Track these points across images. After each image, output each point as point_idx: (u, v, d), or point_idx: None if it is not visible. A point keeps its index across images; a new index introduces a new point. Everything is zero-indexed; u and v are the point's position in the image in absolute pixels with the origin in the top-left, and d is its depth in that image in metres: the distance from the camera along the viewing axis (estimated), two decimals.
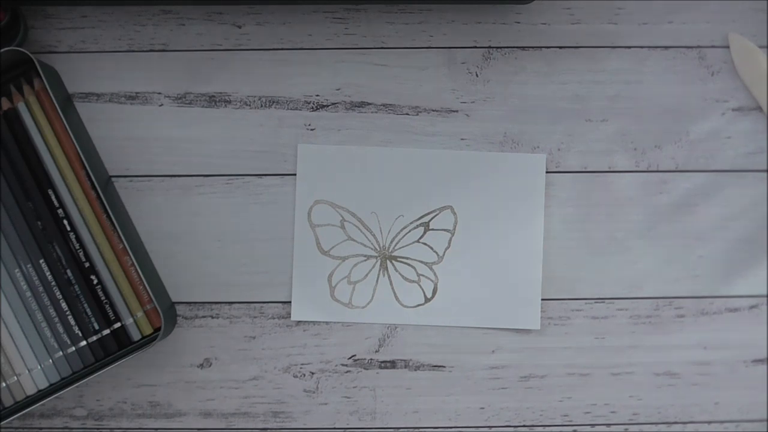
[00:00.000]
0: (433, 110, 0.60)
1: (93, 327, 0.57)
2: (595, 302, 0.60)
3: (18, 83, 0.57)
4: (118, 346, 0.57)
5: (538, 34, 0.60)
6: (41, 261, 0.56)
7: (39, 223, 0.56)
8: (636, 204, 0.60)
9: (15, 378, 0.56)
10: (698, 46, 0.60)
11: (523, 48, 0.60)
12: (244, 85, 0.60)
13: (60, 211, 0.57)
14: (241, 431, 0.60)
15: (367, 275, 0.60)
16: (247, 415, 0.60)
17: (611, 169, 0.60)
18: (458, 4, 0.60)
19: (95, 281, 0.57)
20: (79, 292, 0.57)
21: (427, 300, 0.60)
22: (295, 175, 0.60)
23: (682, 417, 0.61)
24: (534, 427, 0.61)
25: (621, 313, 0.60)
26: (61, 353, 0.57)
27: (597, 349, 0.60)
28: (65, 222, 0.57)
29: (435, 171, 0.60)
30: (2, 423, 0.55)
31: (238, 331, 0.60)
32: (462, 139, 0.60)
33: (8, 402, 0.56)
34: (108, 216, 0.57)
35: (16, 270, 0.56)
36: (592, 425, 0.61)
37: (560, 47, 0.60)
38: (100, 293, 0.57)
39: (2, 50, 0.54)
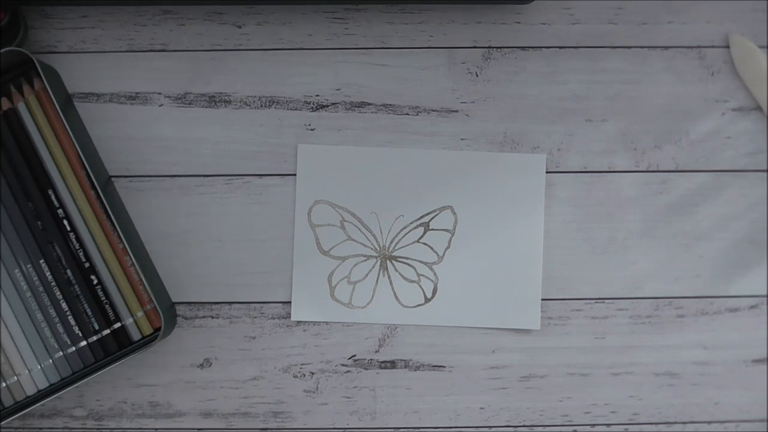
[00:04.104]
0: (433, 110, 0.60)
1: (93, 327, 0.57)
2: (595, 302, 0.60)
3: (18, 83, 0.57)
4: (118, 346, 0.57)
5: (538, 34, 0.60)
6: (41, 261, 0.56)
7: (39, 223, 0.56)
8: (636, 204, 0.60)
9: (15, 378, 0.56)
10: (698, 46, 0.60)
11: (523, 48, 0.60)
12: (244, 85, 0.60)
13: (60, 211, 0.57)
14: (241, 431, 0.60)
15: (367, 275, 0.60)
16: (247, 415, 0.60)
17: (611, 169, 0.60)
18: (458, 4, 0.60)
19: (95, 281, 0.57)
20: (79, 292, 0.57)
21: (427, 300, 0.60)
22: (295, 175, 0.60)
23: (682, 417, 0.61)
24: (534, 427, 0.61)
25: (621, 313, 0.60)
26: (61, 353, 0.57)
27: (597, 349, 0.60)
28: (65, 222, 0.57)
29: (435, 171, 0.60)
30: (2, 423, 0.55)
31: (238, 331, 0.60)
32: (462, 139, 0.60)
33: (8, 402, 0.56)
34: (108, 216, 0.57)
35: (16, 270, 0.56)
36: (592, 425, 0.61)
37: (560, 47, 0.60)
38: (100, 293, 0.57)
39: (2, 50, 0.54)
